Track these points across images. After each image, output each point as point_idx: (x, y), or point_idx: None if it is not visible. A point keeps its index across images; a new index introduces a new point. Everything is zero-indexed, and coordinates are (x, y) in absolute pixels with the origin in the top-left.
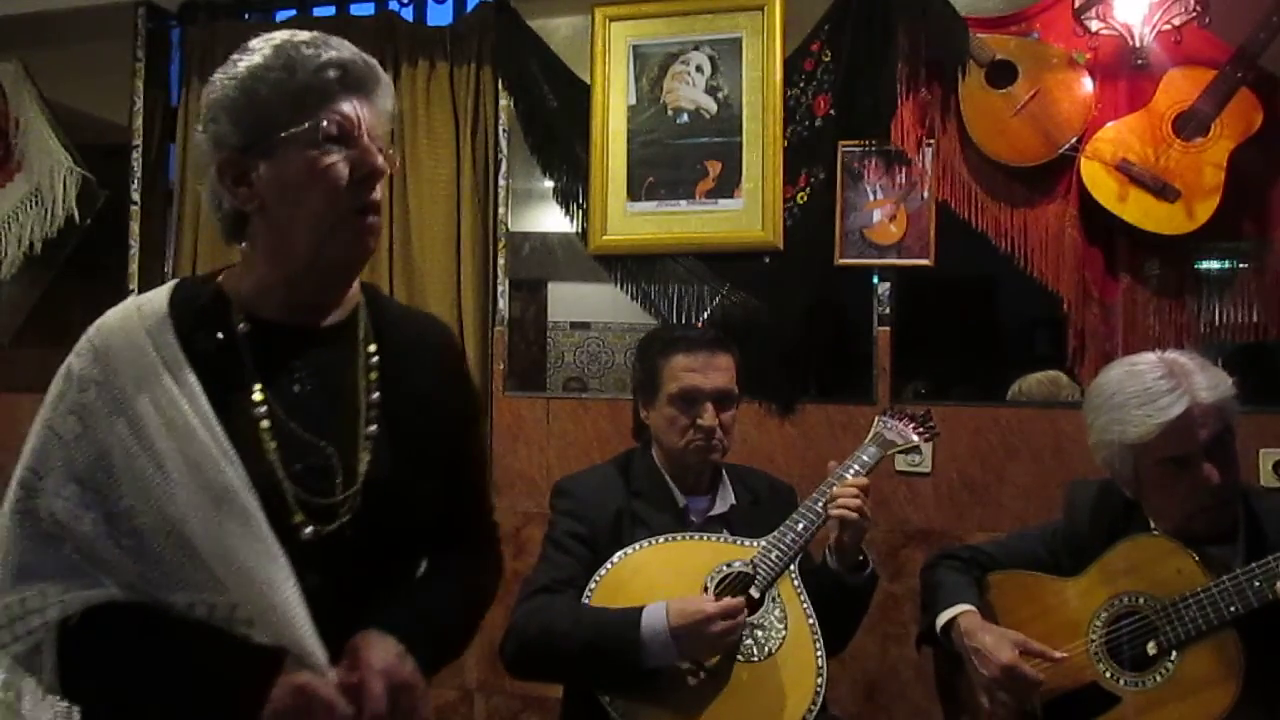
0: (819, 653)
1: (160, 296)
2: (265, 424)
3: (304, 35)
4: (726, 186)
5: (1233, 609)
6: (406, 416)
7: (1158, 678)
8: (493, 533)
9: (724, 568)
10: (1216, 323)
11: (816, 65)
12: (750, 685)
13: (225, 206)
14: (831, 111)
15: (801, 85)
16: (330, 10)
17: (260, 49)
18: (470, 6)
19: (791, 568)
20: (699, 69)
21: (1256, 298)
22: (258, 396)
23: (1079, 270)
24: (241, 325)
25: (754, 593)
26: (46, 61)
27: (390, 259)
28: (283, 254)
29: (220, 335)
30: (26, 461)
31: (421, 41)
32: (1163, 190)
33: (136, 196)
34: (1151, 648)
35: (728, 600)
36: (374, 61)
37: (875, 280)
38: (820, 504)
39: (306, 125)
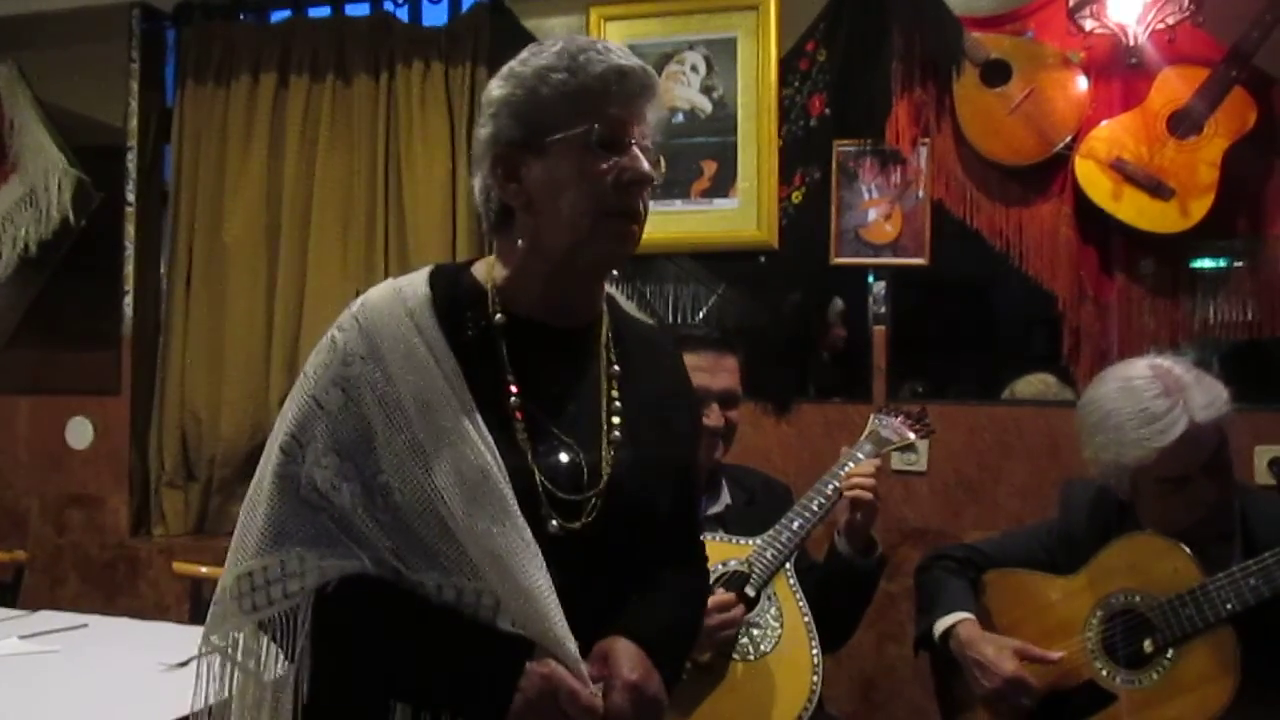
0: (815, 651)
1: (420, 280)
2: (519, 415)
3: (589, 39)
4: (722, 186)
5: (1229, 606)
6: (643, 423)
7: (1154, 675)
8: (702, 550)
9: (719, 566)
10: (1211, 321)
11: (811, 65)
12: (746, 683)
13: (494, 200)
14: (826, 111)
15: (796, 85)
16: (326, 11)
17: (548, 50)
18: (465, 7)
19: (787, 566)
20: (694, 69)
21: (1251, 296)
22: (513, 388)
23: (1074, 269)
24: (498, 316)
25: (749, 591)
26: (41, 63)
27: (385, 260)
28: (543, 251)
29: (478, 324)
30: (288, 428)
31: (416, 42)
32: (1157, 189)
33: (131, 198)
34: (1147, 645)
35: (723, 595)
36: (652, 71)
37: (870, 279)
38: (816, 503)
39: (581, 128)
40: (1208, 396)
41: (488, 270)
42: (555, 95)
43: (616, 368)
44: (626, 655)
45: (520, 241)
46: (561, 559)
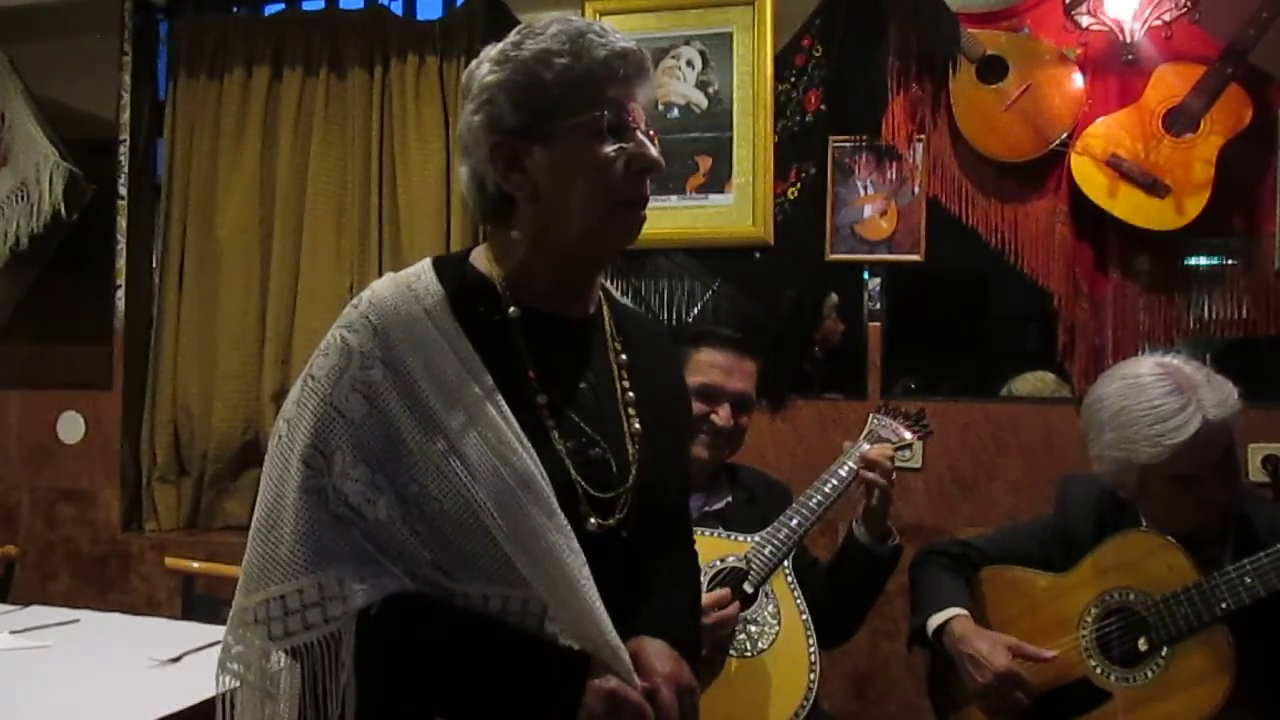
0: (812, 649)
1: (429, 275)
2: (547, 410)
3: (585, 21)
4: (717, 181)
5: (1224, 605)
6: (654, 413)
7: (1148, 674)
8: (692, 534)
9: (718, 563)
10: (1206, 318)
11: (807, 60)
12: (742, 680)
13: (490, 189)
14: (822, 106)
15: (792, 80)
16: (320, 3)
17: (547, 32)
18: (460, 1)
19: (786, 564)
20: (690, 64)
21: (1245, 293)
22: (537, 384)
23: (1069, 266)
24: (512, 310)
25: (747, 588)
26: (33, 55)
27: (380, 256)
28: (551, 240)
29: (492, 318)
30: (308, 439)
31: (411, 35)
32: (1153, 186)
33: (124, 191)
34: (1142, 644)
35: (718, 591)
36: (646, 52)
37: (866, 276)
38: (814, 500)
39: (589, 115)
40: (1219, 395)
41: (488, 261)
42: (558, 80)
43: (624, 357)
44: (657, 653)
45: (524, 232)
46: (598, 558)
